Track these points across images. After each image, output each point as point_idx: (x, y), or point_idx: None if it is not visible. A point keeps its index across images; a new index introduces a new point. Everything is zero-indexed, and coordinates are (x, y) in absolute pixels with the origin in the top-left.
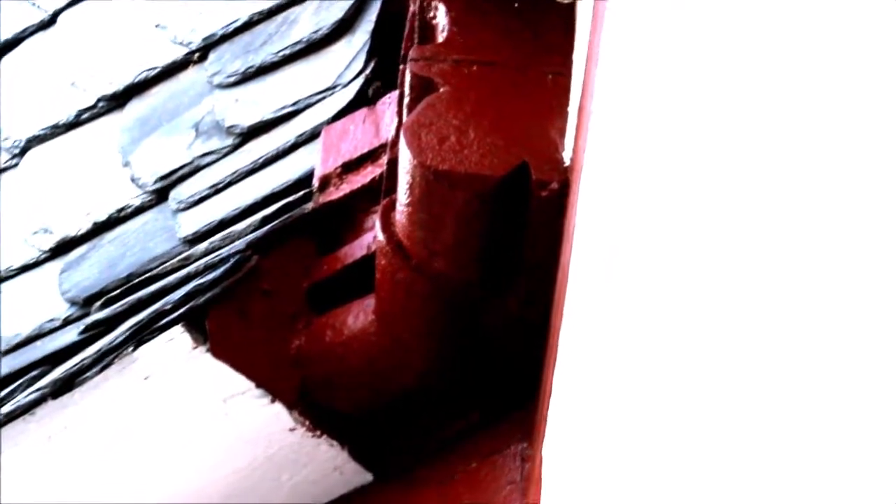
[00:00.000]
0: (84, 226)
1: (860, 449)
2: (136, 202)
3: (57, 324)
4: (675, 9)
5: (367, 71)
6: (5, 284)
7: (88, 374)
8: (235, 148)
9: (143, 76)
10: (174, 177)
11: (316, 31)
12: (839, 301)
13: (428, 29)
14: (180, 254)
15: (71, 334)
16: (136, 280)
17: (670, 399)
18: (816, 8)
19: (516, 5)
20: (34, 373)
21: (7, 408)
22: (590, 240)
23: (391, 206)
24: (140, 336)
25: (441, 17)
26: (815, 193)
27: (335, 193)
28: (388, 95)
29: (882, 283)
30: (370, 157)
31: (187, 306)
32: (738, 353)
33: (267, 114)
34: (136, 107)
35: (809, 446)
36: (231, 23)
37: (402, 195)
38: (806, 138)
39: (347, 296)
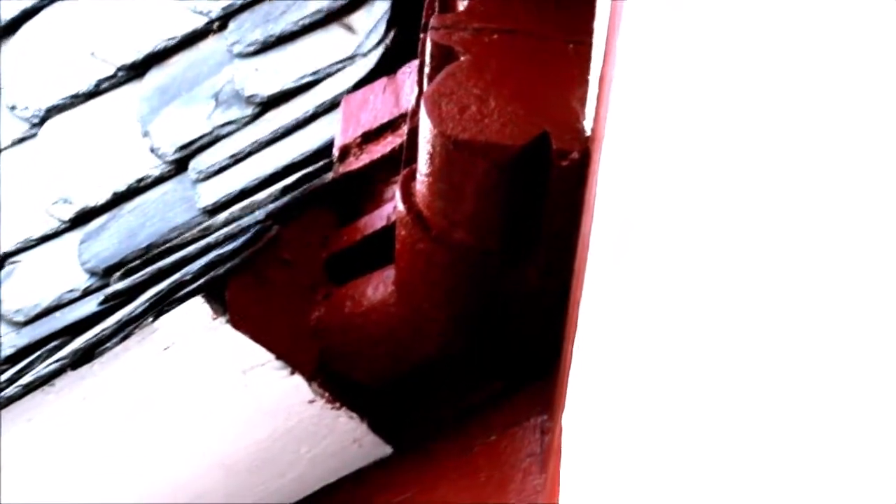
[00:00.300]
0: (104, 196)
1: (860, 449)
2: (156, 172)
3: (77, 294)
4: None
5: (388, 40)
6: (26, 254)
7: (108, 344)
8: (255, 118)
9: (162, 45)
10: (194, 147)
11: (336, 0)
12: (858, 298)
13: None
14: (200, 224)
15: (91, 305)
16: (156, 250)
17: (690, 372)
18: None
19: None
20: (54, 343)
21: (27, 378)
22: (610, 210)
23: (411, 176)
24: (160, 306)
25: None
26: (842, 187)
27: (355, 163)
28: (408, 64)
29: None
30: (390, 126)
31: (207, 277)
32: (757, 328)
33: (287, 83)
34: (155, 76)
35: (812, 441)
36: None
37: (423, 165)
38: (834, 132)
39: (367, 266)
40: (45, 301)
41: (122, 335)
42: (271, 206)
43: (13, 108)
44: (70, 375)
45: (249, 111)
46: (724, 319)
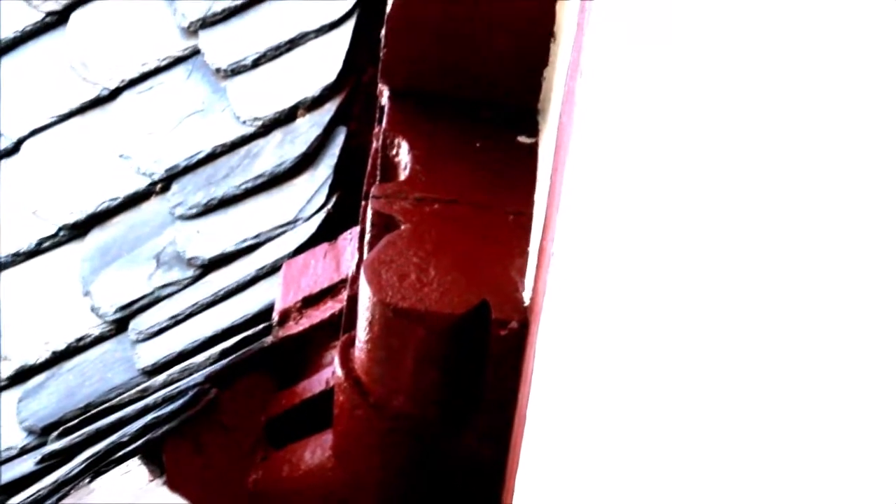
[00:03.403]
0: (43, 354)
1: (860, 449)
2: (96, 332)
3: (14, 452)
4: (634, 157)
5: (329, 206)
6: None
7: None
8: (196, 279)
9: (105, 206)
10: (134, 307)
11: (279, 165)
12: (832, 303)
13: (390, 166)
14: (139, 384)
15: (28, 464)
16: (94, 410)
17: None
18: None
19: (478, 145)
20: None
21: None
22: (548, 381)
23: (350, 342)
24: (97, 467)
25: (403, 155)
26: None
27: (295, 328)
28: (349, 231)
29: (876, 281)
30: (330, 292)
31: (144, 438)
32: (720, 435)
33: (228, 246)
34: (97, 236)
35: (810, 449)
36: (194, 154)
37: (362, 331)
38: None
39: (306, 430)
40: None
41: (58, 496)
42: (210, 369)
43: None
44: None
45: (190, 273)
46: (670, 464)
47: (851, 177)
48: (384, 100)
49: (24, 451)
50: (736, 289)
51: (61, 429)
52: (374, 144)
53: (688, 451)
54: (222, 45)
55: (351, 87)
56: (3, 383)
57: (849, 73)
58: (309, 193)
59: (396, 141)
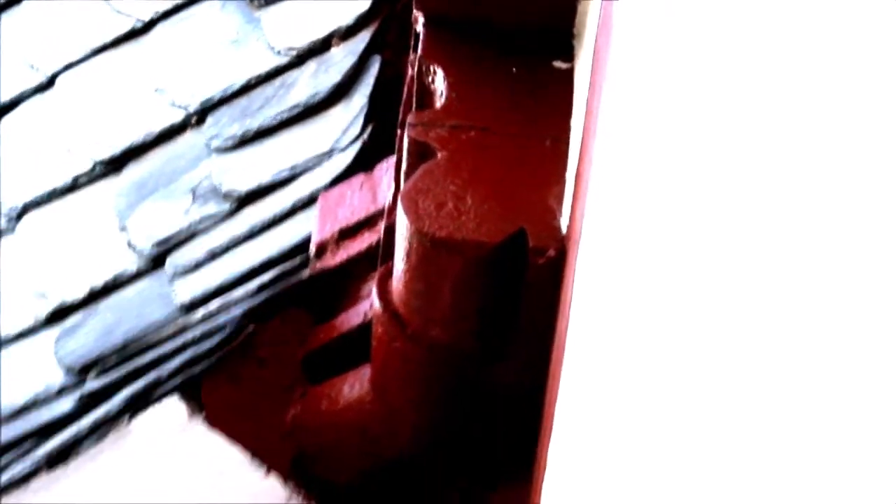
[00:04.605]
0: (80, 292)
1: (860, 449)
2: (133, 268)
3: (53, 392)
4: (672, 79)
5: (365, 136)
6: (2, 351)
7: (84, 444)
8: (232, 213)
9: (140, 140)
10: (171, 242)
11: (314, 95)
12: (850, 300)
13: (426, 94)
14: (176, 321)
15: (67, 403)
16: (132, 348)
17: (670, 473)
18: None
19: (514, 70)
20: (29, 443)
21: (1, 479)
22: (586, 309)
23: (388, 273)
24: (136, 405)
25: (439, 83)
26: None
27: (331, 260)
28: (385, 160)
29: (886, 288)
30: (367, 223)
31: (183, 375)
32: (744, 415)
33: (264, 179)
34: (132, 171)
35: (810, 448)
36: (229, 86)
37: (399, 262)
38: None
39: (343, 364)
40: (21, 399)
41: (97, 434)
42: (248, 304)
43: None
44: (45, 476)
45: (227, 206)
46: (705, 416)
47: (882, 179)
48: (419, 27)
49: (62, 391)
50: (780, 224)
51: (99, 367)
52: (409, 72)
53: (718, 386)
54: None
55: (385, 15)
56: (41, 322)
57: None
58: (344, 123)
59: (432, 68)
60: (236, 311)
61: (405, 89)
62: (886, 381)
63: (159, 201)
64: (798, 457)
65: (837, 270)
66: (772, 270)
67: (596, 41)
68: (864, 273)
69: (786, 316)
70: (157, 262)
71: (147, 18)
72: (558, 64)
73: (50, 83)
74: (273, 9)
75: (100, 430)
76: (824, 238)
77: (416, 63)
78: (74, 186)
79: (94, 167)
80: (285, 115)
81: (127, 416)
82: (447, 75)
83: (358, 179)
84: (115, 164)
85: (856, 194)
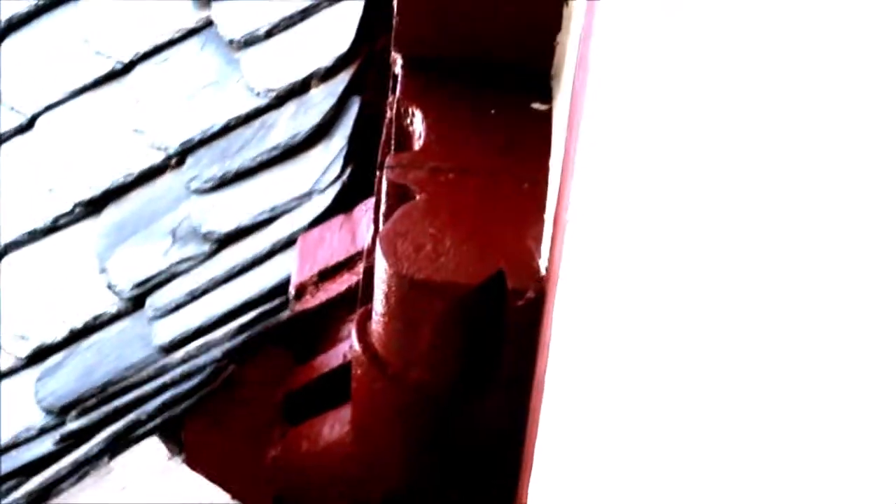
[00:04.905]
0: (61, 333)
1: (860, 449)
2: (113, 309)
3: (33, 433)
4: (650, 121)
5: (345, 177)
6: None
7: (64, 484)
8: (212, 254)
9: (120, 181)
10: (150, 283)
11: (293, 137)
12: (854, 302)
13: (404, 136)
14: (156, 362)
15: (47, 444)
16: (113, 389)
17: None
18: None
19: (493, 112)
20: (9, 484)
21: None
22: (566, 349)
23: (367, 314)
24: (116, 446)
25: (418, 124)
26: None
27: (311, 302)
28: (364, 202)
29: (885, 285)
30: (346, 265)
31: (163, 416)
32: (731, 456)
33: (244, 220)
34: (113, 212)
35: (810, 448)
36: (209, 127)
37: (378, 304)
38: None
39: (323, 405)
40: (2, 440)
41: (78, 475)
42: (227, 345)
43: None
44: None
45: (206, 248)
46: (681, 460)
47: (873, 179)
48: (397, 68)
49: (42, 431)
50: (753, 265)
51: (79, 408)
52: (388, 114)
53: (705, 424)
54: (235, 16)
55: (364, 56)
56: (21, 363)
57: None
58: (324, 165)
59: (410, 110)
60: (216, 352)
61: (384, 131)
62: (887, 381)
63: (139, 243)
64: (798, 457)
65: (834, 294)
66: (755, 313)
67: (574, 83)
68: (861, 273)
69: (772, 352)
70: (136, 303)
71: (127, 60)
72: (536, 105)
73: (30, 125)
74: (252, 50)
75: (80, 470)
76: (818, 262)
77: (395, 105)
78: (55, 227)
79: (74, 208)
80: (265, 157)
81: (107, 457)
82: (425, 117)
83: (337, 221)
84: (95, 206)
85: (853, 197)
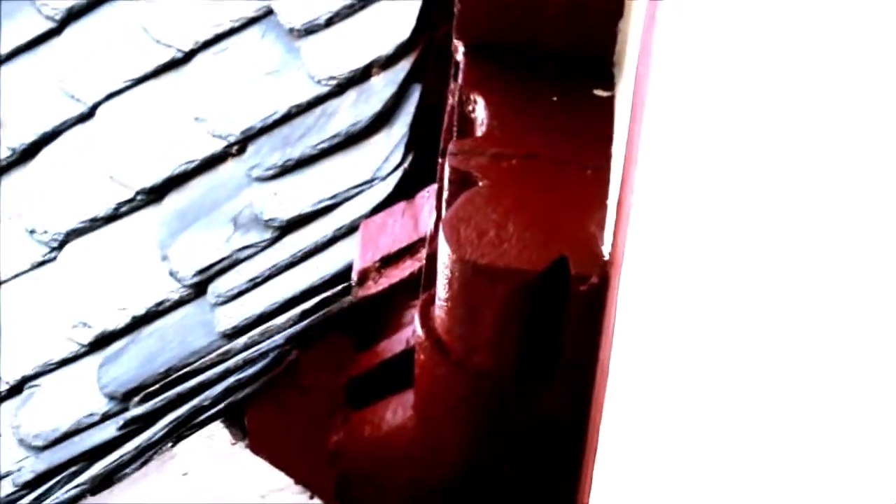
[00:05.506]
0: (122, 320)
1: (861, 449)
2: (175, 296)
3: (96, 419)
4: (713, 107)
5: (406, 164)
6: (45, 378)
7: (127, 470)
8: (274, 241)
9: (181, 169)
10: (212, 271)
11: (354, 124)
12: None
13: (467, 122)
14: (219, 348)
15: (110, 430)
16: (175, 375)
17: (716, 494)
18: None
19: (555, 99)
20: (73, 469)
21: None
22: (629, 335)
23: (430, 300)
24: (179, 432)
25: (480, 111)
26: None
27: (374, 288)
28: (426, 189)
29: None
30: (409, 251)
31: (226, 402)
32: (791, 441)
33: (305, 207)
34: (174, 200)
35: (810, 448)
36: (270, 115)
37: (441, 290)
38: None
39: (385, 390)
40: (65, 425)
41: (141, 461)
42: (290, 331)
43: (32, 231)
44: (90, 501)
45: (268, 235)
46: (753, 446)
47: None
48: (459, 56)
49: (105, 417)
50: (816, 252)
51: (142, 394)
52: (450, 101)
53: (770, 413)
54: (295, 5)
55: (425, 43)
56: (83, 349)
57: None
58: (385, 152)
59: (472, 97)
60: (279, 338)
61: (446, 118)
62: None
63: (201, 230)
64: (799, 458)
65: (885, 292)
66: (821, 289)
67: (636, 69)
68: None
69: (844, 335)
70: (199, 289)
71: (187, 49)
72: (599, 92)
73: (91, 113)
74: (313, 38)
75: (143, 455)
76: (873, 255)
77: (457, 92)
78: (116, 215)
79: (135, 196)
80: (326, 144)
81: (170, 442)
82: (488, 104)
83: (399, 207)
84: (156, 194)
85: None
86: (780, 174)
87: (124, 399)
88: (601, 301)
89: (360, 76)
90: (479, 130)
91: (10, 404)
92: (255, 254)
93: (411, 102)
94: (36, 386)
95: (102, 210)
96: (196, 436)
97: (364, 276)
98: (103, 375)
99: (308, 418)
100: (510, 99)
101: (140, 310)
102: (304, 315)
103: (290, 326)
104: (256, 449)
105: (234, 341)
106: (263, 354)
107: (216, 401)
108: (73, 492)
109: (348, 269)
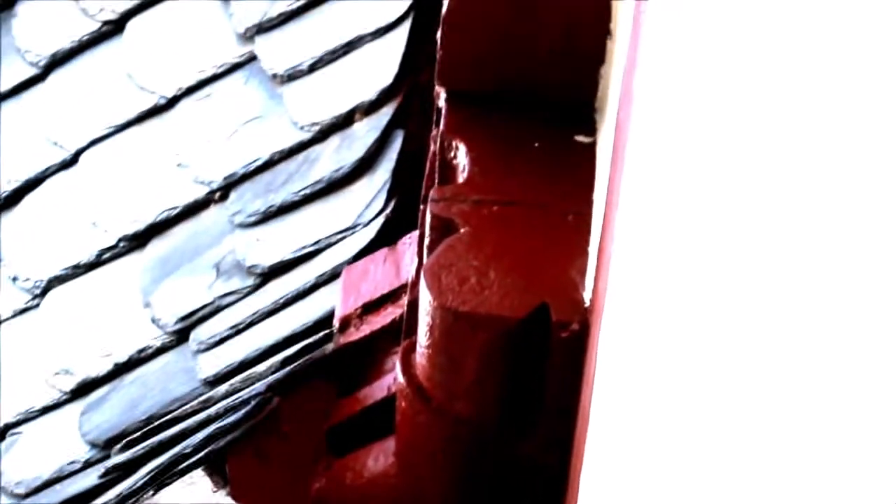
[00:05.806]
0: (105, 367)
1: (862, 449)
2: (157, 343)
3: (78, 466)
4: (695, 153)
5: (388, 210)
6: (27, 425)
7: None
8: (256, 288)
9: (164, 215)
10: (194, 317)
11: (337, 170)
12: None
13: (448, 169)
14: (200, 395)
15: (91, 477)
16: (157, 422)
17: None
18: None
19: (536, 144)
20: None
21: None
22: (611, 382)
23: (411, 347)
24: (160, 480)
25: (461, 158)
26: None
27: (355, 334)
28: (408, 235)
29: None
30: (390, 297)
31: (207, 449)
32: (779, 482)
33: (287, 254)
34: (156, 246)
35: (810, 448)
36: (252, 161)
37: (423, 337)
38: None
39: (367, 437)
40: (46, 473)
41: None
42: (271, 378)
43: (15, 279)
44: None
45: (251, 281)
46: (732, 489)
47: None
48: (441, 102)
49: (87, 465)
50: (802, 292)
51: (124, 441)
52: (432, 147)
53: (755, 458)
54: (279, 50)
55: (408, 89)
56: (65, 397)
57: None
58: (367, 198)
59: (454, 143)
60: (260, 385)
61: (428, 164)
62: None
63: (183, 277)
64: (798, 459)
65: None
66: (811, 351)
67: (618, 115)
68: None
69: (825, 388)
70: (181, 336)
71: (170, 95)
72: (580, 138)
73: (74, 160)
74: (296, 84)
75: (125, 503)
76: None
77: (438, 138)
78: (99, 262)
79: (118, 243)
80: (309, 191)
81: (152, 490)
82: (469, 150)
83: (381, 254)
84: (139, 240)
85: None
86: (761, 221)
87: (106, 446)
88: (582, 348)
89: (343, 122)
90: (461, 177)
91: None
92: (238, 300)
93: (394, 148)
94: (18, 433)
95: (85, 257)
96: (177, 483)
97: (346, 322)
98: (85, 423)
99: (290, 465)
100: (492, 145)
101: (122, 357)
102: (286, 362)
103: (272, 373)
104: (238, 496)
105: (215, 388)
106: (245, 402)
107: (197, 448)
108: None
109: (330, 316)
